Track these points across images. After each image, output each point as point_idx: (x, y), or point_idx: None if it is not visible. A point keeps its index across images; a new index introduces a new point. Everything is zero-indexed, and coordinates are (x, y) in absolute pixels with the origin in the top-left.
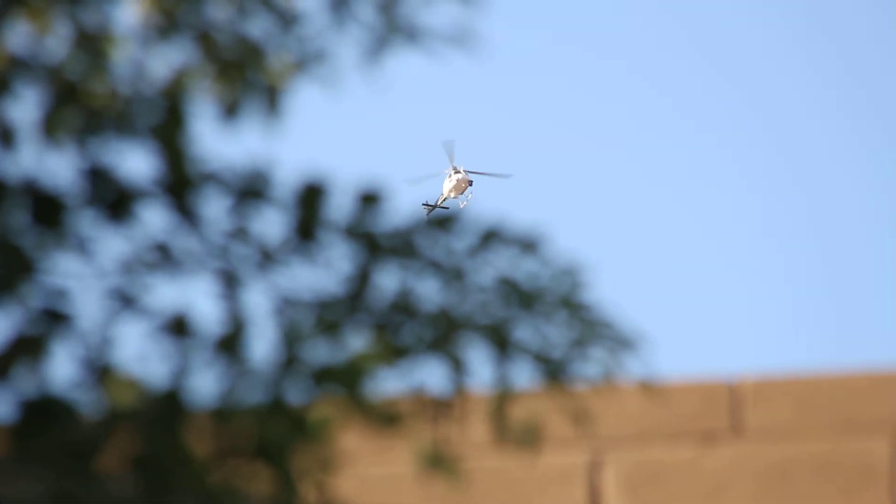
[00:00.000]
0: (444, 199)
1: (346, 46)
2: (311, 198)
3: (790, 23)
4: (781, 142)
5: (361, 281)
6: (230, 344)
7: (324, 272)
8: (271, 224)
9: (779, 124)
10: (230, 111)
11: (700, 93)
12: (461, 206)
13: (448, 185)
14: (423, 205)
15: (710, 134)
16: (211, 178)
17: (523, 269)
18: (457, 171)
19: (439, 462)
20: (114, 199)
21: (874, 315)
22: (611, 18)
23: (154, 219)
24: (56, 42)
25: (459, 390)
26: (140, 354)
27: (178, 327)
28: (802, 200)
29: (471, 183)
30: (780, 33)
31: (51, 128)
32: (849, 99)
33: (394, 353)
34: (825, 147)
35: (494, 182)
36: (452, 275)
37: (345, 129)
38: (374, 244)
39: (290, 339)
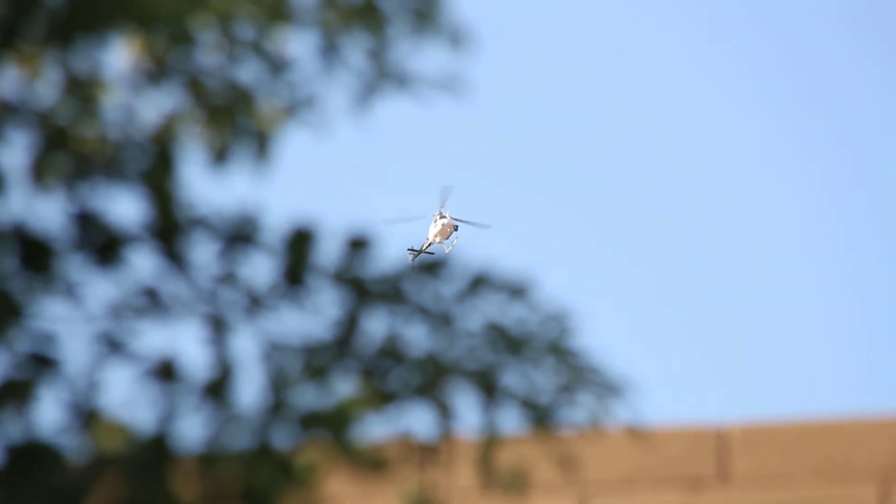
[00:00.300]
0: (430, 245)
1: (336, 92)
2: (299, 243)
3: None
4: (768, 171)
5: (349, 326)
6: (217, 389)
7: (312, 317)
8: (259, 269)
9: (751, 169)
10: (219, 156)
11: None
12: (446, 252)
13: (433, 230)
14: (409, 250)
15: (693, 176)
16: (199, 222)
17: (511, 314)
18: (442, 217)
19: None
20: (102, 244)
21: (857, 361)
22: (606, 27)
23: (142, 263)
24: (46, 87)
25: (446, 435)
26: (127, 399)
27: (166, 372)
28: (788, 241)
29: (456, 228)
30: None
31: (40, 172)
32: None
33: (381, 398)
34: (799, 182)
35: (479, 228)
36: (440, 320)
37: (334, 172)
38: (362, 289)
39: (278, 384)
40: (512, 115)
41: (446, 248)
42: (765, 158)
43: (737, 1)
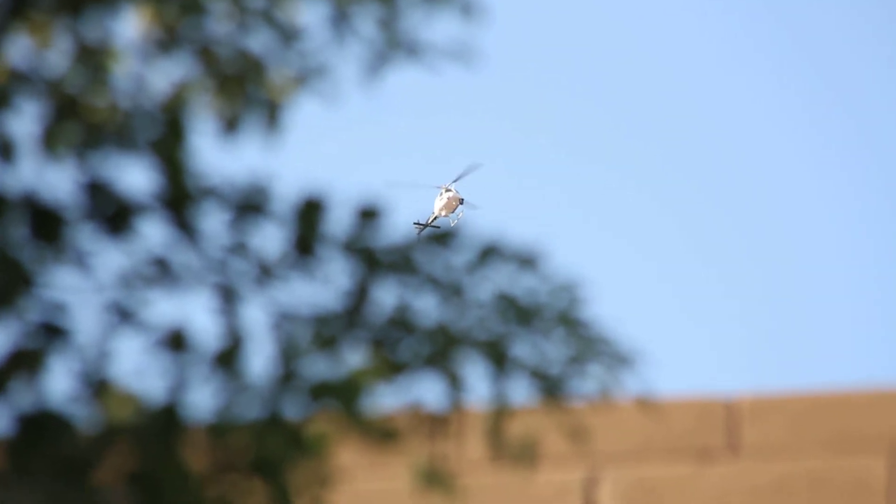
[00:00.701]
0: (435, 218)
1: (347, 61)
2: (310, 213)
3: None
4: (772, 158)
5: (359, 296)
6: (228, 359)
7: (322, 287)
8: (270, 239)
9: (763, 159)
10: (230, 126)
11: (699, 107)
12: (452, 225)
13: (439, 203)
14: (415, 223)
15: (711, 159)
16: (210, 192)
17: (522, 285)
18: (448, 190)
19: (436, 478)
20: (113, 213)
21: (868, 333)
22: (613, 21)
23: (153, 233)
24: (57, 56)
25: (456, 406)
26: (137, 369)
27: (176, 342)
28: (796, 218)
29: (461, 201)
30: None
31: (51, 142)
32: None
33: (391, 368)
34: (805, 171)
35: (495, 195)
36: (451, 290)
37: (345, 142)
38: (372, 259)
39: (288, 355)
40: (524, 84)
41: (451, 221)
42: (784, 137)
43: None
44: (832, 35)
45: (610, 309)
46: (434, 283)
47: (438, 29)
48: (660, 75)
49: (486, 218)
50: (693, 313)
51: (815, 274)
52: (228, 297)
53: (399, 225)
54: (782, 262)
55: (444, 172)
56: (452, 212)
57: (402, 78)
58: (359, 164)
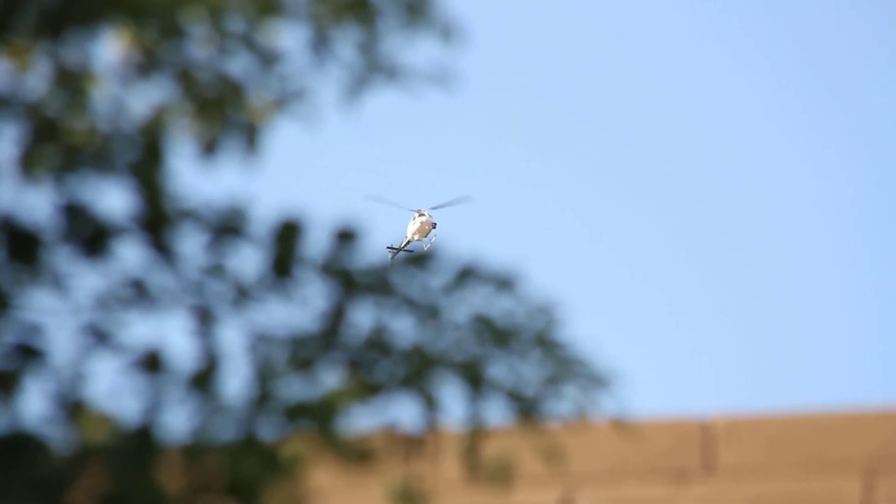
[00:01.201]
0: (409, 242)
1: (327, 84)
2: (287, 235)
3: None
4: (754, 173)
5: (336, 318)
6: (204, 380)
7: (299, 309)
8: (247, 261)
9: (753, 170)
10: (209, 148)
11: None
12: (425, 249)
13: (412, 227)
14: (388, 248)
15: (685, 173)
16: (188, 214)
17: (498, 306)
18: (421, 214)
19: (411, 499)
20: (90, 235)
21: (845, 353)
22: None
23: (130, 255)
24: (36, 79)
25: (432, 427)
26: (113, 390)
27: (152, 363)
28: (776, 235)
29: (434, 225)
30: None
31: (29, 164)
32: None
33: (367, 389)
34: (803, 190)
35: (470, 216)
36: (427, 312)
37: (323, 165)
38: (349, 281)
39: (264, 376)
40: (506, 108)
41: (425, 245)
42: (780, 142)
43: None
44: (832, 39)
45: (586, 329)
46: (411, 304)
47: (418, 52)
48: (654, 82)
49: (468, 236)
50: (672, 335)
51: (802, 293)
52: (205, 318)
53: (376, 246)
54: (766, 284)
55: (426, 189)
56: (425, 236)
57: (383, 98)
58: (338, 181)
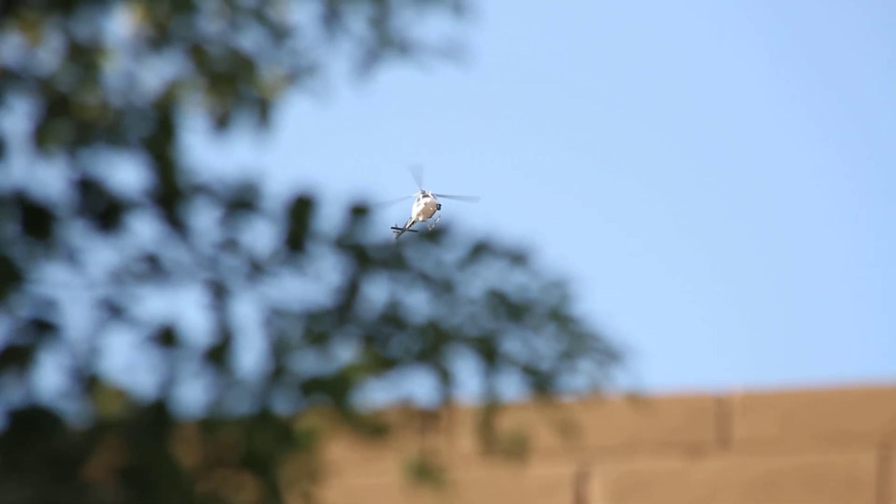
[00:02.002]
0: (413, 223)
1: (338, 59)
2: (300, 209)
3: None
4: (772, 155)
5: (350, 292)
6: (218, 354)
7: (313, 283)
8: (261, 235)
9: (763, 148)
10: (221, 123)
11: (692, 100)
12: (429, 230)
13: (416, 208)
14: (392, 228)
15: (701, 147)
16: (201, 189)
17: (512, 281)
18: (425, 195)
19: (426, 473)
20: (104, 210)
21: (861, 328)
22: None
23: (144, 229)
24: (48, 54)
25: (447, 401)
26: (128, 364)
27: (167, 338)
28: (786, 216)
29: (439, 206)
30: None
31: (42, 139)
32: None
33: (382, 364)
34: (808, 174)
35: (483, 193)
36: (442, 287)
37: (336, 139)
38: (363, 256)
39: (279, 350)
40: (516, 84)
41: (429, 226)
42: (785, 133)
43: None
44: (836, 37)
45: (601, 305)
46: (425, 279)
47: (430, 27)
48: (663, 71)
49: (483, 213)
50: (685, 309)
51: (810, 270)
52: (219, 293)
53: (388, 221)
54: (777, 259)
55: (436, 169)
56: (430, 217)
57: (396, 74)
58: (350, 159)
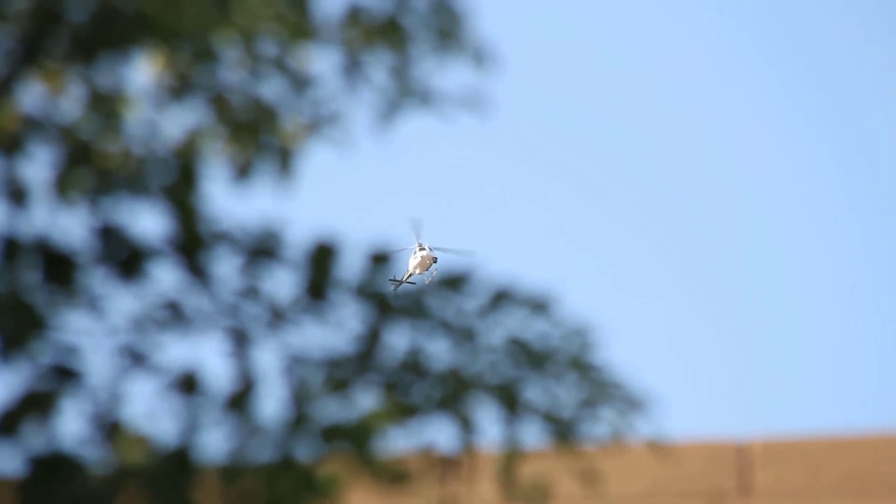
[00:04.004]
0: (410, 276)
1: (359, 108)
2: (322, 257)
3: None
4: (784, 187)
5: (371, 340)
6: (240, 401)
7: (334, 331)
8: (282, 283)
9: (776, 192)
10: (243, 172)
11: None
12: (427, 283)
13: (413, 261)
14: (390, 280)
15: (715, 192)
16: (222, 237)
17: (534, 329)
18: (422, 248)
19: None
20: (125, 258)
21: (885, 376)
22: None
23: (165, 277)
24: (69, 102)
25: (468, 449)
26: (149, 411)
27: (188, 385)
28: (813, 255)
29: (435, 260)
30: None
31: (63, 187)
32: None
33: (403, 411)
34: (819, 209)
35: (505, 241)
36: (462, 335)
37: (357, 187)
38: (384, 304)
39: (300, 398)
40: (534, 129)
41: (426, 279)
42: (786, 164)
43: None
44: (826, 42)
45: (621, 353)
46: (446, 327)
47: (450, 76)
48: (658, 102)
49: (497, 262)
50: (705, 357)
51: (828, 312)
52: (240, 340)
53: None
54: (796, 304)
55: (449, 211)
56: (426, 270)
57: (414, 121)
58: (371, 204)
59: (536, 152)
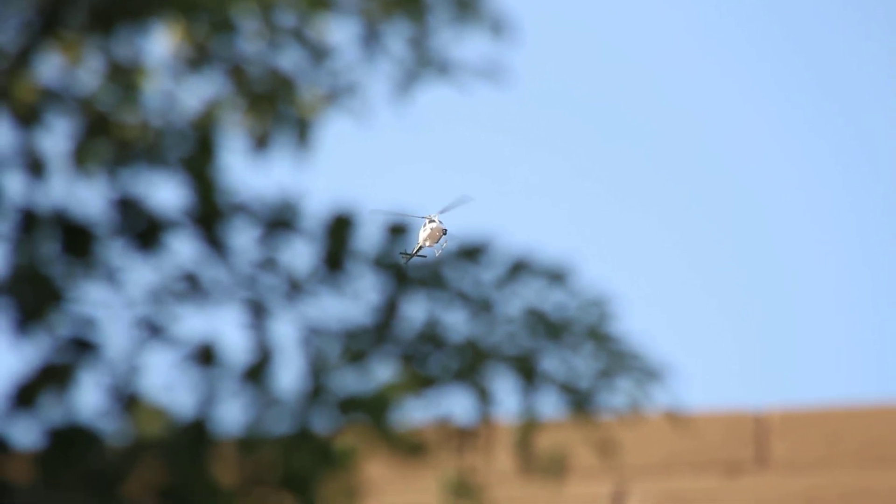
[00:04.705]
0: (420, 248)
1: (377, 79)
2: (339, 228)
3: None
4: (815, 174)
5: (389, 311)
6: (257, 373)
7: (351, 302)
8: (300, 254)
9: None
10: (260, 143)
11: (733, 113)
12: (437, 255)
13: (423, 234)
14: (401, 253)
15: (742, 164)
16: (240, 208)
17: (551, 300)
18: (431, 220)
19: (464, 491)
20: (143, 230)
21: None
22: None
23: (183, 249)
24: (87, 74)
25: (485, 420)
26: (167, 383)
27: (206, 357)
28: (836, 226)
29: (445, 231)
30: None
31: (81, 159)
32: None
33: (420, 383)
34: (842, 192)
35: (523, 208)
36: (480, 305)
37: (374, 158)
38: (401, 275)
39: (317, 369)
40: (552, 102)
41: (436, 251)
42: (795, 161)
43: None
44: (828, 41)
45: (639, 323)
46: (463, 298)
47: (469, 47)
48: (668, 98)
49: (527, 226)
50: (724, 326)
51: (847, 282)
52: (258, 312)
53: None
54: (812, 274)
55: (462, 186)
56: (436, 242)
57: (434, 93)
58: (388, 174)
59: (552, 126)
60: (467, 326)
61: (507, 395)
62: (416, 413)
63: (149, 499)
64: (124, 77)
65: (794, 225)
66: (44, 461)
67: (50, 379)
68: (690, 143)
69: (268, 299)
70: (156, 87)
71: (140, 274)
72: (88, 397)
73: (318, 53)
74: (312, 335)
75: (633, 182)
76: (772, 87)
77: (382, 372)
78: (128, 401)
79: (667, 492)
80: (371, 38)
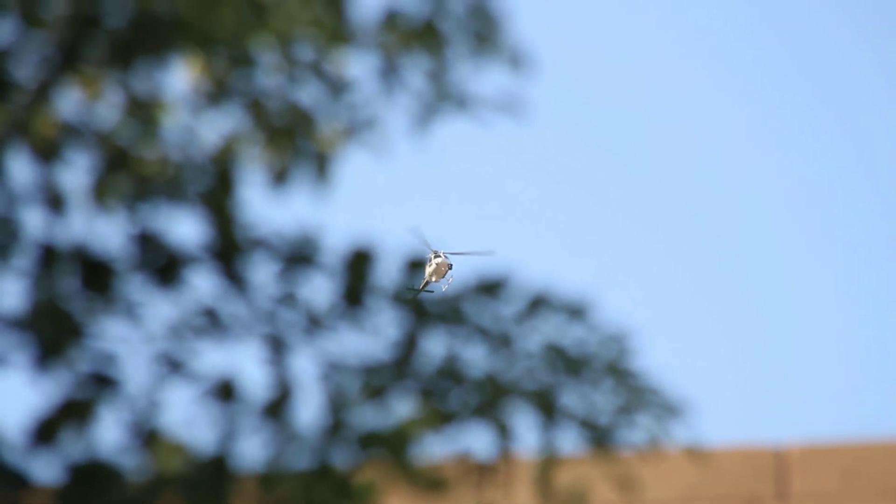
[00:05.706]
0: (427, 283)
1: (396, 113)
2: (358, 264)
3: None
4: (833, 201)
5: (408, 347)
6: (277, 409)
7: (371, 338)
8: (319, 289)
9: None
10: (280, 177)
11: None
12: (444, 290)
13: (429, 269)
14: (408, 289)
15: (759, 199)
16: (259, 243)
17: (570, 335)
18: (437, 256)
19: None
20: (163, 265)
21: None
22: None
23: (202, 284)
24: (107, 108)
25: (505, 455)
26: (187, 419)
27: (225, 392)
28: (855, 258)
29: (450, 266)
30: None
31: (101, 193)
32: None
33: (440, 418)
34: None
35: (542, 245)
36: (499, 341)
37: (393, 191)
38: (421, 310)
39: (337, 404)
40: (567, 134)
41: (443, 286)
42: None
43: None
44: (823, 45)
45: (657, 357)
46: (483, 333)
47: (487, 80)
48: (673, 124)
49: (546, 261)
50: (741, 363)
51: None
52: (277, 347)
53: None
54: (829, 312)
55: (478, 218)
56: (443, 277)
57: (452, 126)
58: (408, 209)
59: (570, 157)
60: (487, 362)
61: (526, 430)
62: (435, 448)
63: None
64: (144, 112)
65: (814, 259)
66: (64, 497)
67: (70, 414)
68: (700, 167)
69: (287, 334)
70: (175, 121)
71: (160, 309)
72: (109, 433)
73: (337, 87)
74: (332, 370)
75: (644, 210)
76: (773, 93)
77: (402, 407)
78: (148, 436)
79: None
80: (389, 72)
